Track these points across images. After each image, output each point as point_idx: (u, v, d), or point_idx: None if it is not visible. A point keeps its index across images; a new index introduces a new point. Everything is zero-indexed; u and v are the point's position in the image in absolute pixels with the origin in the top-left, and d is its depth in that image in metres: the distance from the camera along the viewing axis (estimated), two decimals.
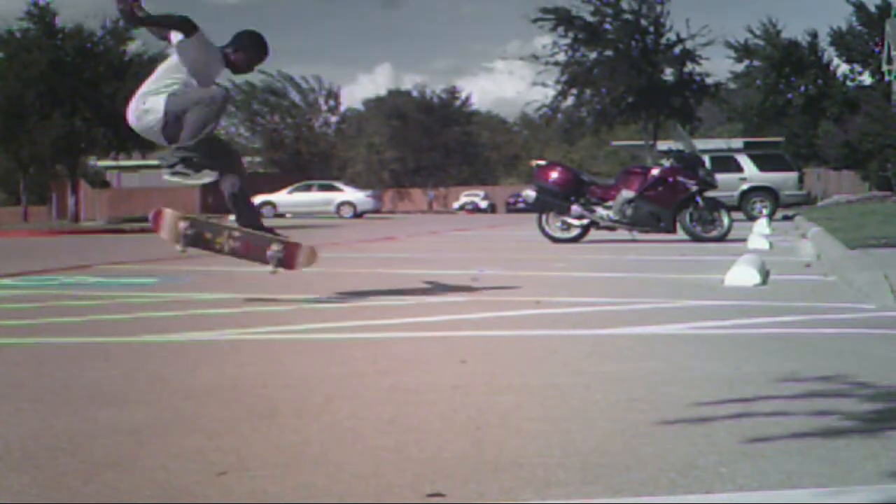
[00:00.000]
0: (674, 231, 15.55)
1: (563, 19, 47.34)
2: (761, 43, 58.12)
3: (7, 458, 2.71)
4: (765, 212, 27.15)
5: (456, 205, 67.92)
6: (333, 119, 68.64)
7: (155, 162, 58.09)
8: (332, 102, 68.60)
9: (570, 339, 5.04)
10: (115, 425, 3.11)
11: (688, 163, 15.67)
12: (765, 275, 8.29)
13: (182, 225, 7.05)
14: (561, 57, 48.19)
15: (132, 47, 35.68)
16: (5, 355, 4.65)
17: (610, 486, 2.41)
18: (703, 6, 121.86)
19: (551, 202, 15.73)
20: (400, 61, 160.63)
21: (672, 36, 47.76)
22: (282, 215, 46.29)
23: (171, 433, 3.00)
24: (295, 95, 67.05)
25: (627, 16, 47.43)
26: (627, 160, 56.67)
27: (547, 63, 48.55)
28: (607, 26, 47.78)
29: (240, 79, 65.87)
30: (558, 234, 15.77)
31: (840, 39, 56.71)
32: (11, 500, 2.35)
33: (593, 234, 15.96)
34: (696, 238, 15.40)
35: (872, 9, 55.10)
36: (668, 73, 48.48)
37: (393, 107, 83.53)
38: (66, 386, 3.82)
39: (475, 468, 2.58)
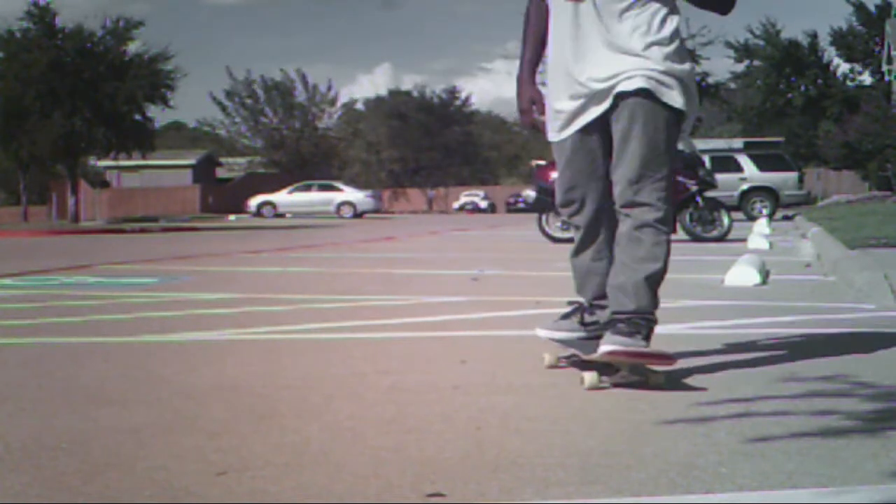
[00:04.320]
0: (674, 231, 15.50)
1: None
2: (761, 43, 58.14)
3: (7, 458, 2.71)
4: (765, 212, 27.17)
5: (456, 205, 67.88)
6: (335, 116, 68.27)
7: (155, 162, 57.89)
8: (336, 98, 68.18)
9: None
10: (115, 425, 3.11)
11: (688, 163, 15.67)
12: (765, 275, 8.29)
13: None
14: None
15: (132, 47, 35.70)
16: (5, 355, 4.65)
17: (610, 486, 2.41)
18: None
19: (551, 202, 15.70)
20: (400, 61, 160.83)
21: None
22: (282, 215, 46.34)
23: (171, 433, 3.00)
24: (302, 95, 66.72)
25: None
26: None
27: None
28: None
29: (242, 77, 65.92)
30: (558, 234, 15.76)
31: (840, 39, 56.75)
32: (11, 500, 2.34)
33: None
34: (696, 238, 15.40)
35: (872, 8, 55.13)
36: None
37: (393, 107, 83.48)
38: (66, 386, 3.82)
39: (475, 468, 2.57)
